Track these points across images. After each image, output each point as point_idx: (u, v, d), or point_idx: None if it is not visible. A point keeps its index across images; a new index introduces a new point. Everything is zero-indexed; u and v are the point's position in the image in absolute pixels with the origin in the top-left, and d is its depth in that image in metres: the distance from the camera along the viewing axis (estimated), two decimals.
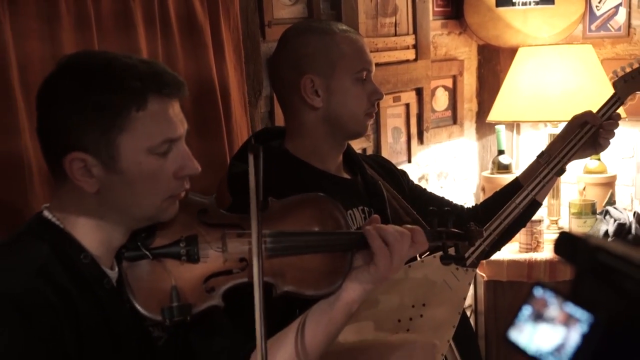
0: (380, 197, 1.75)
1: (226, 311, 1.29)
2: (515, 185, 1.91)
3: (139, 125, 1.17)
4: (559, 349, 0.56)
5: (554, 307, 0.58)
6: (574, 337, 0.56)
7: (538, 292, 0.59)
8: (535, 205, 1.91)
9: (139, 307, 1.22)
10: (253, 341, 1.29)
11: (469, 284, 1.68)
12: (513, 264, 2.91)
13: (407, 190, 1.90)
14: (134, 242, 1.25)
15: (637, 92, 1.82)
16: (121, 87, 1.17)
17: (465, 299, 1.69)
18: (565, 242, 0.62)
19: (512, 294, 2.99)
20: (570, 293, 0.59)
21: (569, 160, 1.85)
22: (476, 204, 2.04)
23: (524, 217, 1.92)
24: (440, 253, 1.45)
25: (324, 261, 1.30)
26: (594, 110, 1.82)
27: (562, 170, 1.85)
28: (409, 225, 1.33)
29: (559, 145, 1.86)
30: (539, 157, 1.90)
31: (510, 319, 0.59)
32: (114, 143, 1.17)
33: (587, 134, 1.83)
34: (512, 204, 1.81)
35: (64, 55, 1.28)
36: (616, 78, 1.81)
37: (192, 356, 1.36)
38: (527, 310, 0.59)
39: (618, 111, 1.87)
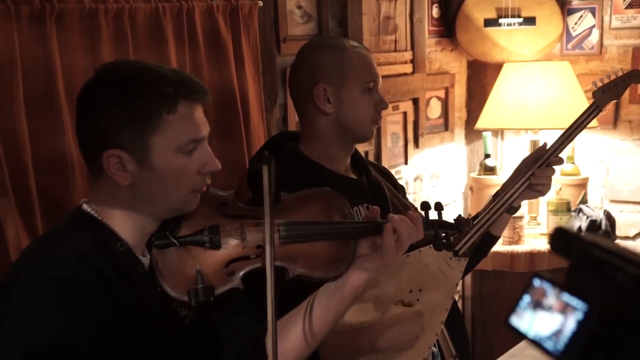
0: (383, 196, 1.73)
1: (245, 292, 1.27)
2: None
3: (169, 126, 1.16)
4: (556, 334, 0.55)
5: (552, 296, 0.56)
6: (570, 323, 0.55)
7: (537, 282, 0.57)
8: (491, 239, 1.80)
9: (168, 289, 1.21)
10: None
11: (461, 272, 1.65)
12: (497, 255, 2.90)
13: None
14: (163, 232, 1.24)
15: (614, 101, 1.78)
16: (154, 92, 1.15)
17: (457, 285, 1.66)
18: (561, 238, 0.60)
19: (496, 282, 2.98)
20: (566, 284, 0.57)
21: (516, 199, 1.70)
22: None
23: (482, 250, 1.80)
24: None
25: (331, 248, 1.29)
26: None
27: (512, 209, 1.73)
28: (410, 212, 1.32)
29: (509, 184, 1.74)
30: (494, 196, 1.76)
31: (512, 306, 0.57)
32: (147, 142, 1.15)
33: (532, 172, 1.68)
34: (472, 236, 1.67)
35: (101, 63, 1.26)
36: (595, 88, 1.76)
37: (215, 333, 1.34)
38: (527, 299, 0.57)
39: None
